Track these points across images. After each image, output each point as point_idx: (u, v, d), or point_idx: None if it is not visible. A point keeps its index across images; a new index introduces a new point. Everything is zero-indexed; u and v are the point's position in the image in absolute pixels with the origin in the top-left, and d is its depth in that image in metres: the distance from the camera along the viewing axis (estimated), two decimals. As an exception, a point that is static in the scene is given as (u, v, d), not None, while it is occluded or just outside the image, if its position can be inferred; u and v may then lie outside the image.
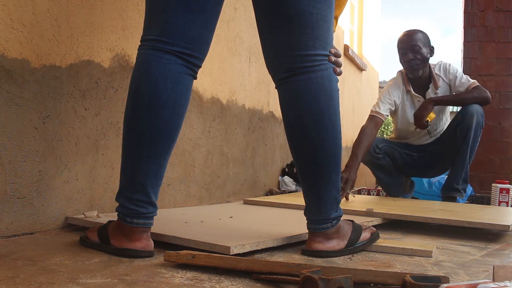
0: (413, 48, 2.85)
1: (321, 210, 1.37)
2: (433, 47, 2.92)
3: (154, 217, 1.31)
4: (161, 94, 1.24)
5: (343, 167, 2.41)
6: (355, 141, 2.76)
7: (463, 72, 4.01)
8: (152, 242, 1.31)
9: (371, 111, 2.91)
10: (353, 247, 1.44)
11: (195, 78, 1.33)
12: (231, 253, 1.27)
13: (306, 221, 1.42)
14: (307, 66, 1.31)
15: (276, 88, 1.41)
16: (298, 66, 1.31)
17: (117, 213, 1.31)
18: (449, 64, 2.94)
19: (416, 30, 2.95)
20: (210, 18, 1.30)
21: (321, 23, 1.30)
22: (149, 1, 1.30)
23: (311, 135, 1.33)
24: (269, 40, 1.37)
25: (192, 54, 1.28)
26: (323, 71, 1.32)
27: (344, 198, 2.45)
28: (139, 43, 1.31)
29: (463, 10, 4.18)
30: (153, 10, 1.29)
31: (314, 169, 1.36)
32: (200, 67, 1.33)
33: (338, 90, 1.36)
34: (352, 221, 1.49)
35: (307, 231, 1.44)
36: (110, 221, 1.38)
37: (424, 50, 2.87)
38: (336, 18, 1.57)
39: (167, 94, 1.24)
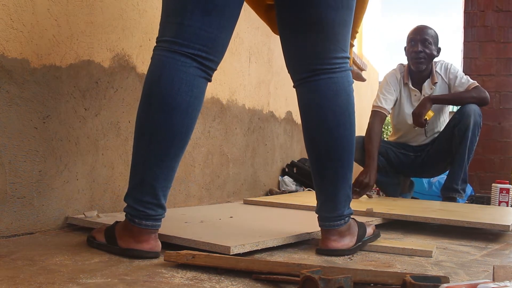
0: (424, 41, 2.86)
1: (336, 208, 1.40)
2: (440, 48, 2.93)
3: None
4: (175, 97, 1.22)
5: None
6: (366, 140, 2.76)
7: (463, 72, 4.01)
8: (159, 243, 1.31)
9: (373, 106, 2.90)
10: (362, 242, 1.47)
11: (210, 81, 1.31)
12: (231, 253, 1.27)
13: (307, 221, 1.42)
14: (328, 68, 1.36)
15: (294, 87, 1.44)
16: (319, 68, 1.36)
17: (125, 213, 1.30)
18: (451, 64, 2.94)
19: (430, 26, 2.96)
20: (228, 21, 1.28)
21: (342, 28, 1.35)
22: (166, 2, 1.28)
23: (332, 131, 1.36)
24: (291, 42, 1.40)
25: (208, 57, 1.26)
26: (343, 72, 1.37)
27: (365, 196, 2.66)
28: (155, 44, 1.29)
29: (463, 10, 4.18)
30: (170, 10, 1.26)
31: (331, 166, 1.38)
32: (215, 70, 1.31)
33: (353, 91, 1.40)
34: (353, 218, 1.50)
35: (307, 231, 1.44)
36: (117, 222, 1.37)
37: (433, 47, 2.88)
38: (356, 32, 1.55)
39: (181, 97, 1.22)
